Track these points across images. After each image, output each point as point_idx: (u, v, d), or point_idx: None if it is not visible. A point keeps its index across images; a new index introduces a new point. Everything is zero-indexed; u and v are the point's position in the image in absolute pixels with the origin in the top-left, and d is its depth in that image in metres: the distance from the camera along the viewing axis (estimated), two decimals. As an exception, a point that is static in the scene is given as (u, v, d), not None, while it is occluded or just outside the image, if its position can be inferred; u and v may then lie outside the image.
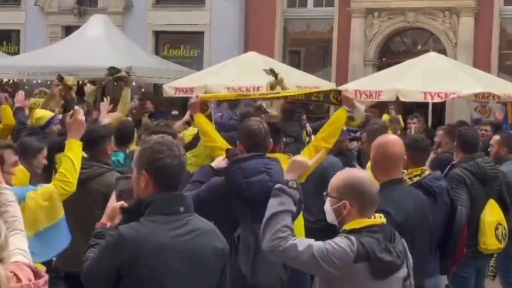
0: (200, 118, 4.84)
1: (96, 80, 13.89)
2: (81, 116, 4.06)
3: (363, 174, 2.97)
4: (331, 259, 2.68)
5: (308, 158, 4.05)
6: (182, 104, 11.97)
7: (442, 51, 14.35)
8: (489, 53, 14.77)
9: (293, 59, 16.75)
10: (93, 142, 4.58)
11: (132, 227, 2.54)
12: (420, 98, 11.25)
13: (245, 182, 3.81)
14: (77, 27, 15.58)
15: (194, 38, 16.79)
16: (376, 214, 2.87)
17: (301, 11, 16.26)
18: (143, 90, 14.83)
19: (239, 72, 12.48)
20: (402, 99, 11.37)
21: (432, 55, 12.73)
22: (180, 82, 12.98)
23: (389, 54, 15.89)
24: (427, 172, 4.16)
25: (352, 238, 2.73)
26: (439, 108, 14.17)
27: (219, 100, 6.14)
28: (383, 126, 6.99)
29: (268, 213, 2.89)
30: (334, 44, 15.86)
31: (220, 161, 4.15)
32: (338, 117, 4.68)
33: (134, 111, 11.35)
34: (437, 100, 11.31)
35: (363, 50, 15.51)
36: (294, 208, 2.90)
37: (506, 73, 14.62)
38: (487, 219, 5.08)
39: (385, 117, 11.36)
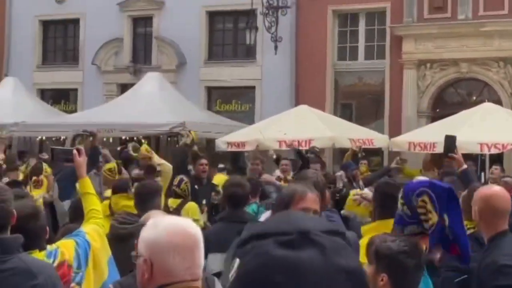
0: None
1: (150, 136, 14.13)
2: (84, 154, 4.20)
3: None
4: None
5: None
6: (231, 158, 12.04)
7: (498, 102, 14.11)
8: (546, 102, 14.44)
9: (345, 111, 16.71)
10: (145, 196, 4.60)
11: None
12: (476, 150, 11.01)
13: None
14: (132, 84, 15.95)
15: (245, 93, 16.97)
16: None
17: (352, 64, 16.29)
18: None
19: (291, 126, 12.50)
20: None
21: (487, 106, 12.52)
22: (232, 137, 13.06)
23: (443, 105, 15.69)
24: None
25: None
26: (497, 160, 13.82)
27: None
28: None
29: None
30: (387, 96, 15.77)
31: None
32: None
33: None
34: (494, 151, 11.06)
35: (416, 102, 15.37)
36: None
37: None
38: None
39: None
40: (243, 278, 1.00)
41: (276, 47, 15.99)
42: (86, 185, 4.10)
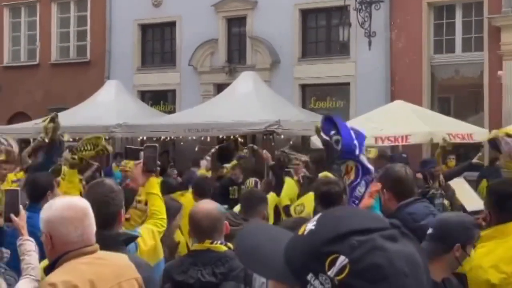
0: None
1: (246, 134, 14.39)
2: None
3: (199, 208, 3.64)
4: None
5: None
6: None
7: None
8: None
9: (443, 105, 16.36)
10: (252, 202, 4.73)
11: None
12: None
13: (418, 226, 3.68)
14: (228, 84, 16.26)
15: (340, 89, 16.92)
16: (207, 240, 3.45)
17: (449, 57, 15.92)
18: (291, 142, 15.08)
19: (387, 121, 12.40)
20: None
21: None
22: (327, 134, 13.08)
23: (546, 97, 15.09)
24: None
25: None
26: None
27: None
28: None
29: None
30: (486, 89, 15.33)
31: None
32: None
33: None
34: None
35: (517, 94, 14.86)
36: None
37: None
38: None
39: None
40: (371, 273, 1.02)
41: (370, 43, 15.89)
42: (152, 185, 4.17)
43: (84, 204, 2.83)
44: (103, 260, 2.85)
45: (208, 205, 3.69)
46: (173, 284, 3.36)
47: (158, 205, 4.13)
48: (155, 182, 4.21)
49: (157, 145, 4.29)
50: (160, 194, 4.21)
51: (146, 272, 3.20)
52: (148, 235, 4.03)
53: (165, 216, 4.13)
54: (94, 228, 2.81)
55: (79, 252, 2.75)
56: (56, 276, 2.71)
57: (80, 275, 2.72)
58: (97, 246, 2.82)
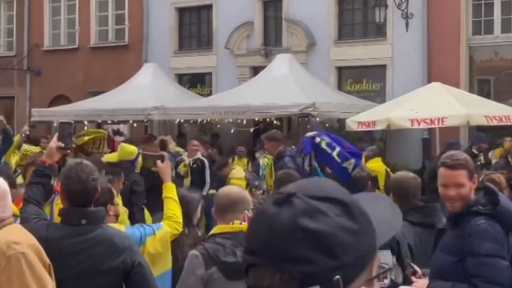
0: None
1: (282, 117, 14.47)
2: (168, 161, 4.56)
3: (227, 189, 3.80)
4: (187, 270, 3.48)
5: None
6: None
7: None
8: None
9: (482, 87, 16.16)
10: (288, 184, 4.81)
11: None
12: None
13: None
14: (264, 67, 16.30)
15: (376, 72, 16.81)
16: (236, 221, 3.39)
17: (487, 38, 15.69)
18: (326, 125, 15.11)
19: (423, 104, 12.33)
20: None
21: None
22: (363, 116, 13.08)
23: None
24: None
25: (195, 250, 3.51)
26: None
27: None
28: None
29: None
30: (525, 71, 15.10)
31: None
32: None
33: None
34: None
35: (558, 75, 14.61)
36: None
37: None
38: None
39: None
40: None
41: (407, 24, 15.75)
42: (169, 190, 4.41)
43: (4, 183, 3.16)
44: (20, 226, 3.27)
45: (233, 188, 3.94)
46: (221, 266, 3.37)
47: (174, 208, 4.34)
48: (171, 187, 4.44)
49: (72, 122, 4.34)
50: (176, 198, 4.41)
51: (125, 241, 3.57)
52: (161, 240, 4.16)
53: (181, 220, 4.31)
54: (10, 202, 3.15)
55: (7, 222, 3.11)
56: (11, 236, 3.04)
57: (28, 236, 3.12)
58: (11, 218, 3.17)
